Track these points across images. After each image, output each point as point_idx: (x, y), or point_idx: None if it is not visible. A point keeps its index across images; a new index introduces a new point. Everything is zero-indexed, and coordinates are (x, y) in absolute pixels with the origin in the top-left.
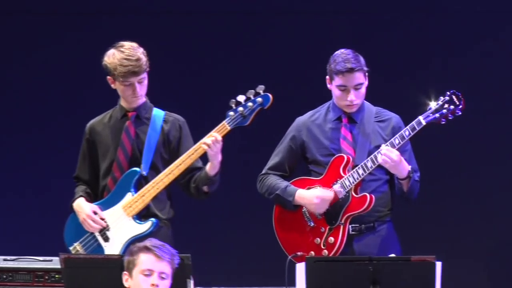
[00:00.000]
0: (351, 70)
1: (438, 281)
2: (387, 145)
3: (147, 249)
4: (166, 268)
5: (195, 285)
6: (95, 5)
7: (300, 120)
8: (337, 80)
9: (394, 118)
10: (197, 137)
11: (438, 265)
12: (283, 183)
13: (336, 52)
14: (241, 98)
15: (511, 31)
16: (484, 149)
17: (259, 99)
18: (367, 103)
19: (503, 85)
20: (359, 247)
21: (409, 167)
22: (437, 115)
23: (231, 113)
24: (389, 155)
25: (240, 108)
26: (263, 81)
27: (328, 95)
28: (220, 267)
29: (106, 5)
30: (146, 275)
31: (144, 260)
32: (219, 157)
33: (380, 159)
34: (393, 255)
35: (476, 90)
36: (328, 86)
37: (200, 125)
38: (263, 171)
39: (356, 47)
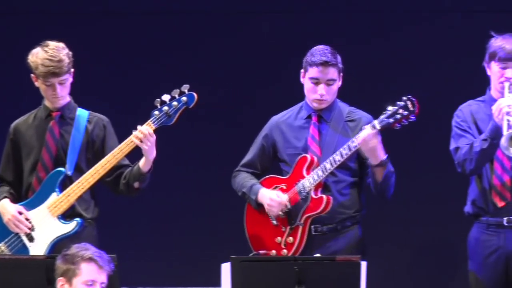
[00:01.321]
0: (325, 64)
1: (363, 281)
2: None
3: (90, 259)
4: (105, 277)
5: (121, 285)
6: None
7: (274, 119)
8: (311, 72)
9: (364, 118)
10: (122, 137)
11: (363, 265)
12: (251, 181)
13: (315, 46)
14: (166, 97)
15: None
16: (409, 153)
17: (184, 98)
18: (340, 103)
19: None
20: (321, 248)
21: (384, 155)
22: (391, 120)
23: (156, 112)
24: (370, 134)
25: (165, 107)
26: (190, 81)
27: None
28: (146, 267)
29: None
30: (89, 285)
31: (88, 271)
32: (154, 152)
33: (360, 138)
34: (318, 254)
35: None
36: (302, 80)
37: (124, 125)
38: (237, 168)
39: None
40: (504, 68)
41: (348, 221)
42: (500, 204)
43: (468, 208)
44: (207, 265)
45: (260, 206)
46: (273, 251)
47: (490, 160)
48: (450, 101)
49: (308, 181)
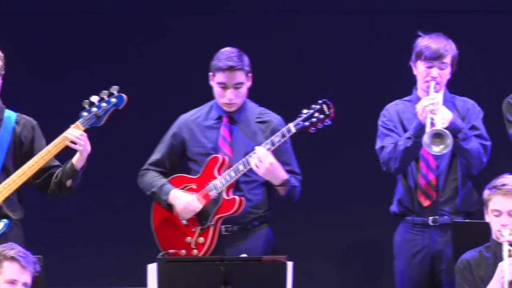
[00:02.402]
0: (231, 68)
1: (289, 280)
2: (263, 146)
3: (12, 258)
4: (29, 278)
5: (47, 286)
6: None
7: (183, 117)
8: (218, 77)
9: (275, 120)
10: (49, 140)
11: (290, 265)
12: (160, 181)
13: (222, 49)
14: (94, 98)
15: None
16: (334, 153)
17: (113, 100)
18: (251, 103)
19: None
20: (231, 248)
21: (285, 176)
22: (307, 123)
23: (85, 113)
24: (263, 161)
25: (94, 109)
26: (120, 82)
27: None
28: (73, 268)
29: None
30: (11, 284)
31: (9, 270)
32: (88, 149)
33: (253, 164)
34: (244, 255)
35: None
36: (210, 82)
37: (52, 127)
38: (144, 166)
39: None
40: (430, 67)
41: (258, 221)
42: (426, 203)
43: (394, 207)
44: (133, 265)
45: (170, 206)
46: (183, 251)
47: (414, 158)
48: (373, 100)
49: (220, 182)
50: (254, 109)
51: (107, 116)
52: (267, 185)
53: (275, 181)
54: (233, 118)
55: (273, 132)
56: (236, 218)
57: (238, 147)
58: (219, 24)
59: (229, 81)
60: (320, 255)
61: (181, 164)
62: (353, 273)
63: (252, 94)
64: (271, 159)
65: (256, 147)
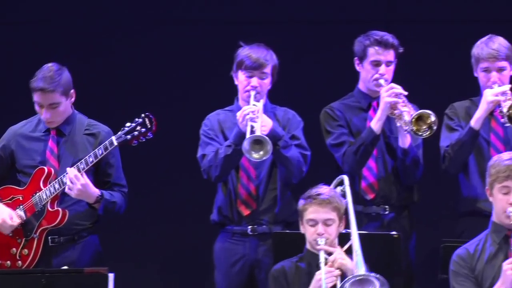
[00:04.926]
0: (43, 90)
1: None
2: (76, 167)
3: None
4: None
5: None
6: None
7: (12, 129)
8: (34, 96)
9: (103, 132)
10: None
11: (111, 276)
12: None
13: (43, 66)
14: None
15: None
16: (153, 161)
17: None
18: (80, 115)
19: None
20: (58, 259)
21: (98, 193)
22: (129, 136)
23: None
24: (74, 183)
25: None
26: None
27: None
28: None
29: None
30: None
31: None
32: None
33: (66, 187)
34: (65, 267)
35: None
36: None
37: None
38: None
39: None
40: (250, 77)
41: (86, 232)
42: (245, 212)
43: (214, 216)
44: None
45: None
46: (8, 262)
47: (235, 166)
48: (196, 110)
49: (45, 194)
50: (82, 121)
51: None
52: None
53: (89, 199)
54: (61, 130)
55: (101, 144)
56: (63, 229)
57: (65, 159)
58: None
59: (43, 102)
60: (143, 265)
61: (11, 175)
62: (174, 282)
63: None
64: (82, 180)
65: (68, 169)
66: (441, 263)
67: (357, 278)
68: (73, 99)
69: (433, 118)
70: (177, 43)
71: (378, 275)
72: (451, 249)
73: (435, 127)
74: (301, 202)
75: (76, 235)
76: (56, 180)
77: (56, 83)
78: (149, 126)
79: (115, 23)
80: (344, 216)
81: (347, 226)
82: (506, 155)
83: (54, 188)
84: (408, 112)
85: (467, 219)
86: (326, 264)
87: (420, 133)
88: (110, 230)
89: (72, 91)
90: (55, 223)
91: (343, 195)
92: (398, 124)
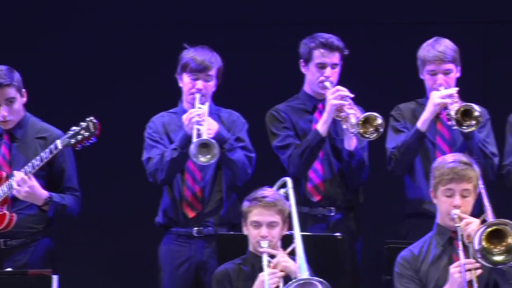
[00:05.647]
0: (0, 85)
1: None
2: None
3: None
4: None
5: None
6: None
7: None
8: None
9: (53, 134)
10: None
11: (55, 278)
12: None
13: None
14: None
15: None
16: (99, 164)
17: None
18: (32, 118)
19: None
20: (11, 261)
21: (46, 195)
22: (73, 140)
23: None
24: (22, 185)
25: None
26: None
27: None
28: None
29: None
30: None
31: None
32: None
33: (14, 190)
34: (9, 269)
35: None
36: None
37: None
38: None
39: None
40: (195, 80)
41: (39, 235)
42: (191, 214)
43: (159, 218)
44: None
45: None
46: None
47: (181, 169)
48: (139, 113)
49: None
50: (35, 124)
51: None
52: None
53: (37, 201)
54: (13, 135)
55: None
56: (15, 232)
57: (17, 163)
58: None
59: (0, 98)
60: (88, 268)
61: None
62: (120, 285)
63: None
64: (30, 182)
65: (15, 172)
66: (385, 264)
67: (300, 281)
68: (25, 99)
69: (379, 120)
70: (122, 46)
71: (321, 279)
72: (395, 250)
73: (381, 130)
74: (245, 204)
75: (29, 238)
76: (6, 183)
77: (10, 78)
78: (92, 131)
79: (61, 25)
80: (287, 219)
81: (290, 228)
82: (450, 157)
83: (2, 191)
84: (354, 114)
85: (412, 221)
86: (269, 266)
87: (367, 136)
88: (59, 233)
89: (24, 90)
90: (2, 226)
91: (286, 198)
92: (344, 127)
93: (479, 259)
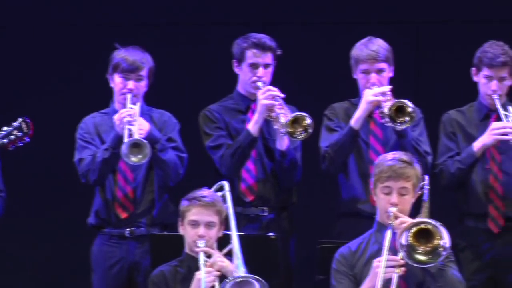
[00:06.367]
0: None
1: None
2: None
3: None
4: None
5: None
6: None
7: None
8: None
9: None
10: None
11: None
12: None
13: None
14: None
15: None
16: (42, 168)
17: None
18: None
19: None
20: None
21: None
22: (5, 140)
23: None
24: None
25: None
26: None
27: None
28: None
29: None
30: None
31: None
32: None
33: None
34: None
35: None
36: None
37: None
38: None
39: None
40: (127, 80)
41: None
42: (123, 215)
43: (91, 219)
44: None
45: None
46: None
47: (112, 170)
48: (71, 113)
49: None
50: None
51: None
52: None
53: None
54: None
55: None
56: None
57: None
58: None
59: None
60: (19, 269)
61: None
62: (51, 286)
63: None
64: None
65: None
66: (318, 264)
67: (237, 280)
68: None
69: (308, 120)
70: (54, 46)
71: (258, 277)
72: (329, 250)
73: (310, 130)
74: (184, 203)
75: None
76: None
77: None
78: (25, 131)
79: None
80: (224, 220)
81: (226, 229)
82: (390, 155)
83: None
84: (284, 114)
85: (346, 220)
86: (205, 266)
87: (296, 136)
88: None
89: None
90: None
91: (224, 200)
92: (275, 127)
93: (403, 257)
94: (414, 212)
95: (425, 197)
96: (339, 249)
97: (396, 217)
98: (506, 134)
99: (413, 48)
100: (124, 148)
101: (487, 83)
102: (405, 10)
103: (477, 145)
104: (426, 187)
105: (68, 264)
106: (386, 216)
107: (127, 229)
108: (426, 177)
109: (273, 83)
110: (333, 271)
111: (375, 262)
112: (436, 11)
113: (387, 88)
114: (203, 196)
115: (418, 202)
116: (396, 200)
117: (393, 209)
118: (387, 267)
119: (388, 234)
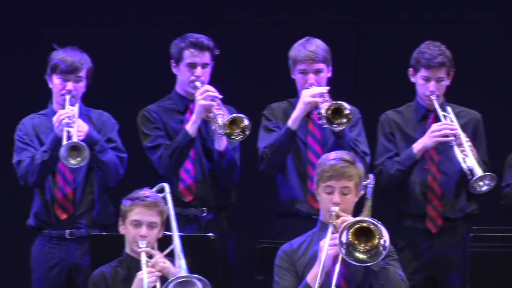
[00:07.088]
0: None
1: None
2: None
3: None
4: None
5: None
6: None
7: None
8: None
9: None
10: None
11: None
12: None
13: None
14: None
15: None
16: None
17: None
18: None
19: None
20: None
21: None
22: None
23: None
24: None
25: None
26: None
27: None
28: None
29: None
30: None
31: None
32: None
33: None
34: None
35: None
36: None
37: None
38: None
39: None
40: (66, 81)
41: None
42: (63, 216)
43: (31, 221)
44: None
45: None
46: None
47: (52, 172)
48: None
49: None
50: None
51: None
52: None
53: None
54: None
55: None
56: None
57: None
58: None
59: None
60: None
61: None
62: None
63: None
64: None
65: None
66: (257, 264)
67: (180, 279)
68: None
69: (246, 122)
70: None
71: (200, 277)
72: (268, 250)
73: (248, 132)
74: (126, 203)
75: None
76: None
77: None
78: None
79: None
80: (165, 222)
81: (167, 230)
82: (332, 154)
83: None
84: (222, 115)
85: (284, 220)
86: (147, 266)
87: (233, 137)
88: None
89: None
90: None
91: (165, 202)
92: (213, 127)
93: (342, 254)
94: (357, 211)
95: (368, 195)
96: (281, 246)
97: (338, 216)
98: (446, 136)
99: (352, 48)
100: (62, 151)
101: (424, 84)
102: (344, 10)
103: (417, 147)
104: (371, 185)
105: (7, 266)
106: (328, 215)
107: (67, 230)
108: (371, 176)
109: (211, 83)
110: (276, 268)
111: (321, 243)
112: (376, 12)
113: (324, 89)
114: (146, 196)
115: (361, 201)
116: (338, 199)
117: (335, 208)
118: (330, 245)
119: (329, 233)
